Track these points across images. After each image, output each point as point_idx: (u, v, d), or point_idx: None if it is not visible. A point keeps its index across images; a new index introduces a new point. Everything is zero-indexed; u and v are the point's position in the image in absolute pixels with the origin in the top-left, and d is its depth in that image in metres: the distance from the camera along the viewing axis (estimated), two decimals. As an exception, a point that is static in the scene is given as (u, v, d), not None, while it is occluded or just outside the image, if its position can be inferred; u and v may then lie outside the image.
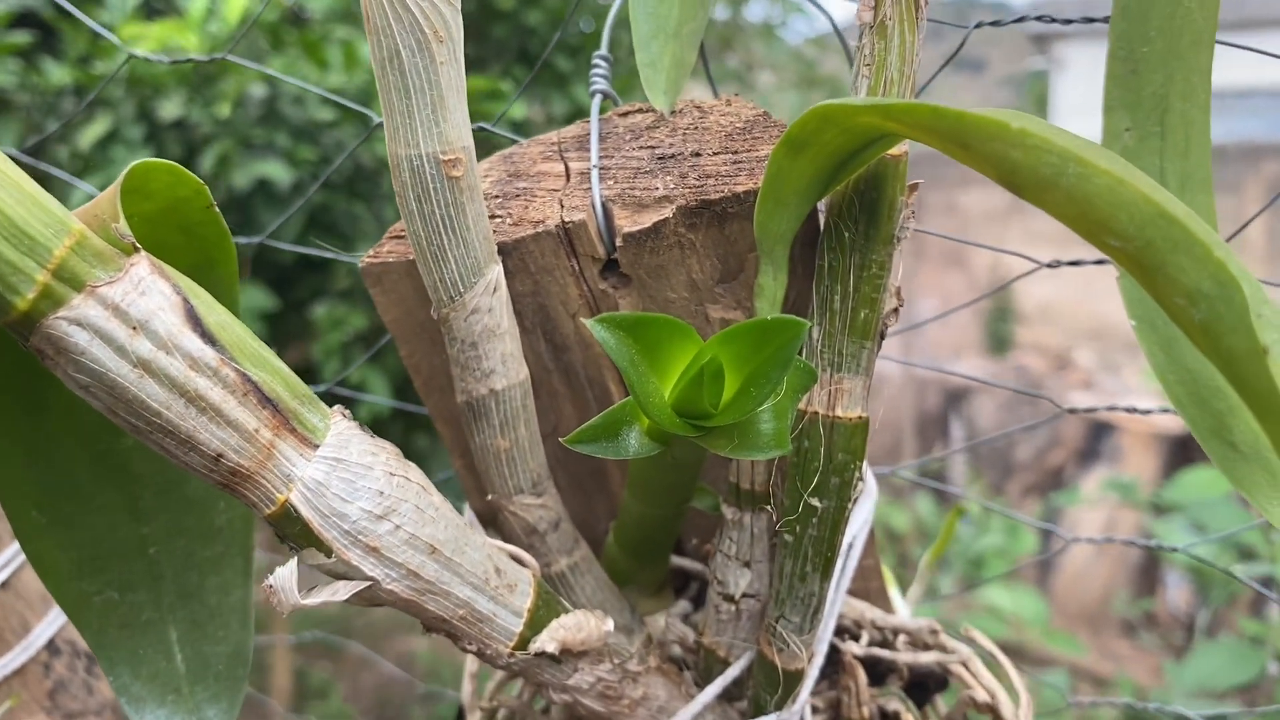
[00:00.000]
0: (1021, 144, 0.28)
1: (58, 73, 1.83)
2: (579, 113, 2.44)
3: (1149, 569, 3.81)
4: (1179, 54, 0.40)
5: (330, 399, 0.37)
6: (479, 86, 1.94)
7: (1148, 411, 0.59)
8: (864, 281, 0.38)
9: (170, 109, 1.83)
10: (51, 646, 0.61)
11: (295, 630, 2.33)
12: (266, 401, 0.34)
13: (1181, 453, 3.84)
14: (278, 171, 1.81)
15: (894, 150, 0.37)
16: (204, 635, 0.44)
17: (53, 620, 0.61)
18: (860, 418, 0.38)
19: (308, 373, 2.22)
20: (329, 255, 1.93)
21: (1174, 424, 3.27)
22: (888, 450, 5.48)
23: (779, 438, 0.35)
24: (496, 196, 0.44)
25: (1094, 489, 3.55)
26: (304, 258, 1.96)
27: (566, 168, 0.44)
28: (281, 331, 2.11)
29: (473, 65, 2.50)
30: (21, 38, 1.82)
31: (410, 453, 2.10)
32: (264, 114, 1.93)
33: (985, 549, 2.95)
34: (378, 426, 2.02)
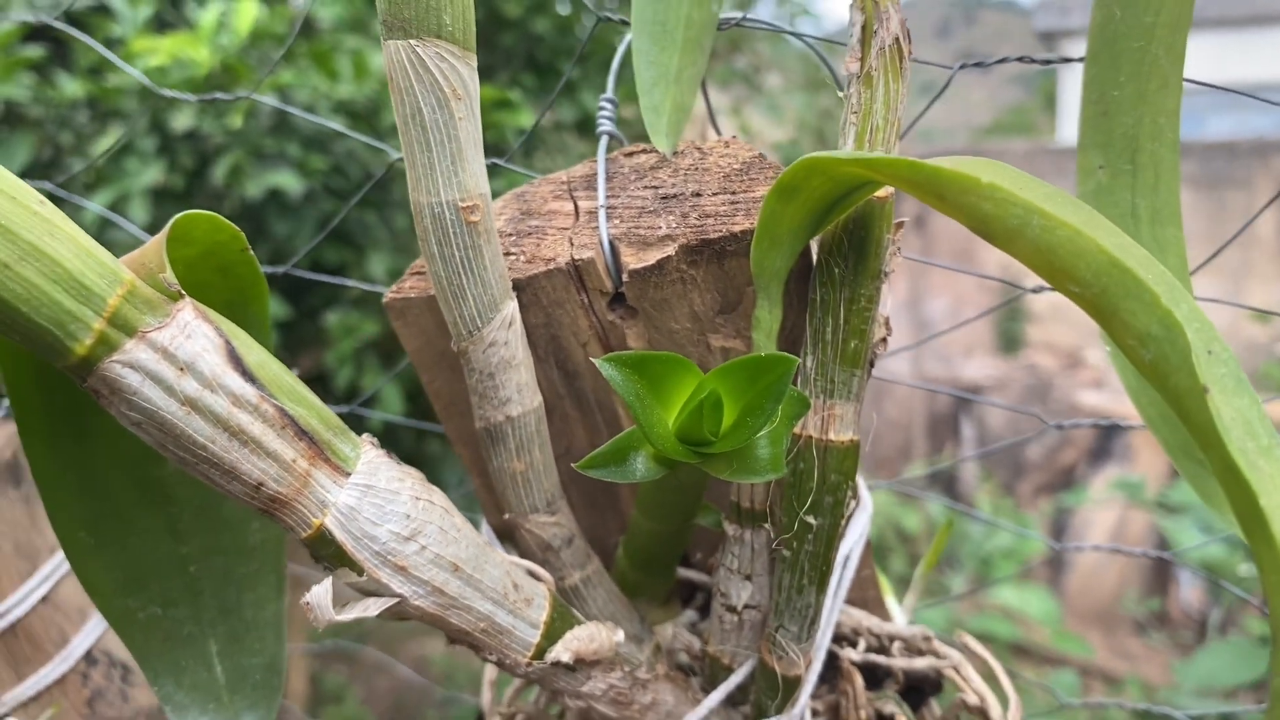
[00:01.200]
0: (991, 197, 0.31)
1: (70, 86, 1.86)
2: (587, 119, 2.47)
3: (1162, 567, 3.82)
4: (1147, 97, 0.43)
5: (347, 418, 0.40)
6: (488, 96, 1.97)
7: (1130, 426, 0.62)
8: (853, 314, 0.40)
9: (183, 120, 1.87)
10: (89, 657, 0.64)
11: (312, 639, 2.36)
12: (303, 434, 0.37)
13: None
14: (289, 181, 1.84)
15: (879, 193, 0.39)
16: (241, 648, 0.47)
17: (90, 631, 0.64)
18: (851, 441, 0.41)
19: (321, 379, 2.25)
20: (346, 267, 1.96)
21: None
22: (900, 450, 5.50)
23: (774, 462, 0.37)
24: (510, 234, 0.47)
25: (1103, 489, 3.56)
26: (317, 266, 2.00)
27: (575, 206, 0.47)
28: (295, 339, 2.15)
29: (481, 73, 2.53)
30: (34, 52, 1.86)
31: (422, 459, 2.13)
32: (275, 124, 1.96)
33: (994, 550, 2.97)
34: (390, 432, 2.05)
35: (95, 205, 1.06)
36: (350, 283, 0.90)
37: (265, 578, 0.48)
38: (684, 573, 0.53)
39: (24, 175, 1.75)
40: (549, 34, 2.50)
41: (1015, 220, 0.31)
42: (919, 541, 4.08)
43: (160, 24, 2.26)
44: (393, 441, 2.18)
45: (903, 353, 5.74)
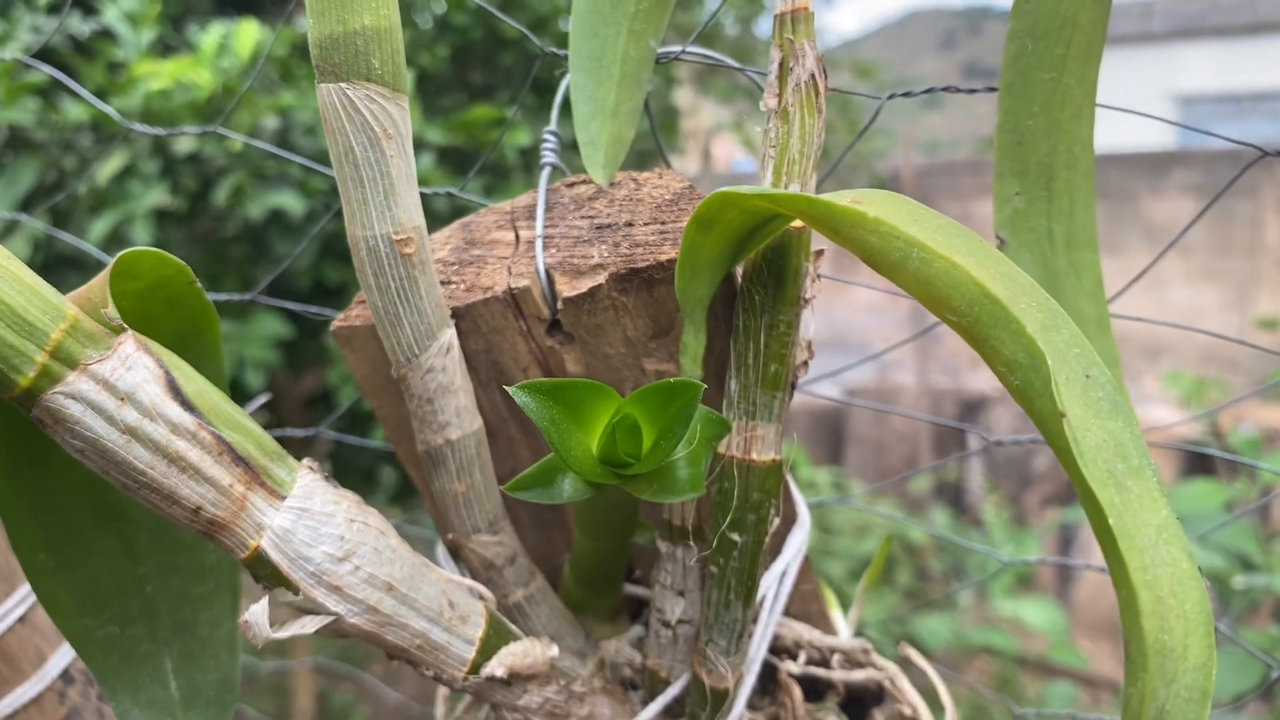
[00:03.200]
0: (876, 231, 0.33)
1: (75, 110, 1.89)
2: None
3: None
4: (1060, 126, 0.44)
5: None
6: (485, 115, 1.99)
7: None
8: (773, 339, 0.42)
9: (185, 143, 1.90)
10: (65, 675, 0.66)
11: (314, 653, 2.38)
12: (239, 460, 0.38)
13: (1198, 462, 3.84)
14: (291, 202, 1.87)
15: (796, 223, 0.41)
16: (196, 665, 0.49)
17: (66, 651, 0.66)
18: (773, 460, 0.43)
19: (324, 398, 2.27)
20: (347, 286, 1.98)
21: (1191, 432, 3.27)
22: (906, 461, 5.50)
23: (694, 482, 0.39)
24: (453, 263, 0.49)
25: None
26: (319, 285, 2.02)
27: (517, 236, 0.49)
28: (298, 358, 2.17)
29: (481, 93, 2.56)
30: (39, 76, 1.89)
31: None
32: (276, 145, 1.98)
33: (996, 563, 2.96)
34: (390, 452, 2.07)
35: (88, 246, 1.08)
36: (304, 308, 0.92)
37: (220, 597, 0.50)
38: (631, 589, 0.55)
39: (29, 199, 1.78)
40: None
41: (897, 253, 0.32)
42: (925, 554, 4.08)
43: (164, 48, 2.29)
44: (395, 458, 2.20)
45: (909, 362, 5.74)
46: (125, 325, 0.38)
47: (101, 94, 1.99)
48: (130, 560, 0.48)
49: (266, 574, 0.39)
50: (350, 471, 2.21)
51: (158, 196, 1.88)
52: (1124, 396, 0.33)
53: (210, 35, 1.97)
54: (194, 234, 2.05)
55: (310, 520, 0.39)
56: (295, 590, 0.39)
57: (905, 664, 0.56)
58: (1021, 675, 3.30)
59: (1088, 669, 3.20)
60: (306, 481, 0.40)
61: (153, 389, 0.37)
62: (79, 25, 2.18)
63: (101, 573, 0.47)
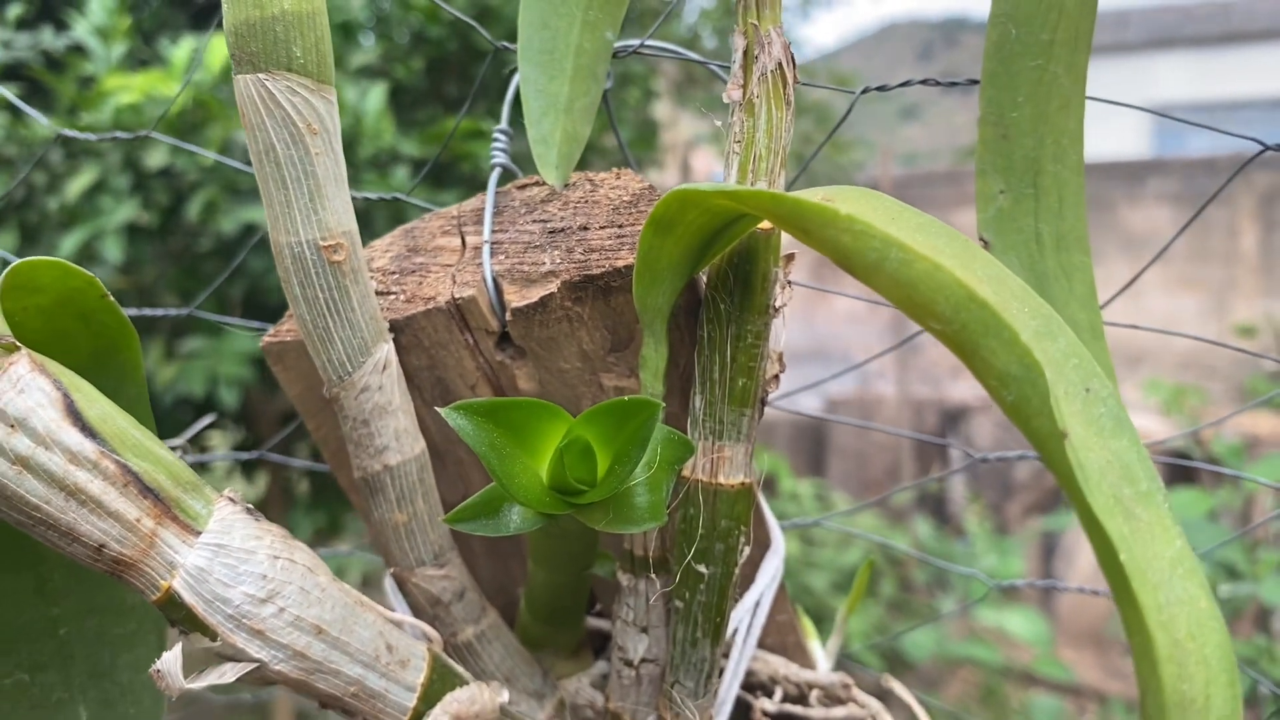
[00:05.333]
0: (849, 230, 0.29)
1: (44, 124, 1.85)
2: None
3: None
4: (1048, 118, 0.41)
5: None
6: (461, 127, 1.96)
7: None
8: (741, 351, 0.38)
9: (156, 158, 1.85)
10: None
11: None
12: (147, 491, 0.34)
13: (1181, 471, 3.83)
14: (264, 216, 1.83)
15: (764, 225, 0.37)
16: (115, 714, 0.45)
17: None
18: (743, 484, 0.39)
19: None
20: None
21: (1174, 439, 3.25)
22: (888, 472, 5.47)
23: (654, 510, 0.35)
24: (394, 272, 0.45)
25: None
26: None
27: (463, 242, 0.45)
28: (272, 374, 2.12)
29: (457, 105, 2.53)
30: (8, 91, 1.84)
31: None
32: (249, 159, 1.94)
33: (979, 571, 2.93)
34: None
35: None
36: (244, 324, 0.88)
37: (144, 638, 0.46)
38: (595, 622, 0.51)
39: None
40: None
41: (873, 254, 0.29)
42: (908, 564, 4.04)
43: (136, 62, 2.25)
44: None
45: (889, 372, 5.72)
46: (18, 344, 0.34)
47: (72, 108, 1.94)
48: (43, 600, 0.43)
49: (181, 617, 0.35)
50: (325, 480, 2.16)
51: (129, 212, 1.84)
52: (1125, 411, 0.29)
53: (181, 49, 1.94)
54: (167, 250, 2.00)
55: (228, 558, 0.35)
56: (213, 636, 0.35)
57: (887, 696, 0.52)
58: (1006, 685, 3.27)
59: (1072, 680, 3.17)
60: (224, 515, 0.36)
61: (48, 414, 0.33)
62: (51, 40, 2.14)
63: (10, 615, 0.43)
